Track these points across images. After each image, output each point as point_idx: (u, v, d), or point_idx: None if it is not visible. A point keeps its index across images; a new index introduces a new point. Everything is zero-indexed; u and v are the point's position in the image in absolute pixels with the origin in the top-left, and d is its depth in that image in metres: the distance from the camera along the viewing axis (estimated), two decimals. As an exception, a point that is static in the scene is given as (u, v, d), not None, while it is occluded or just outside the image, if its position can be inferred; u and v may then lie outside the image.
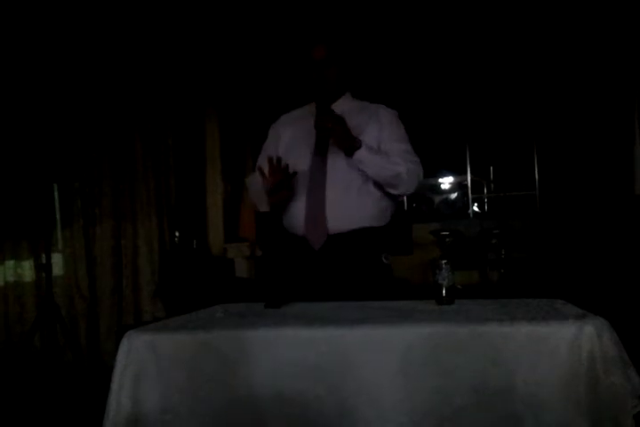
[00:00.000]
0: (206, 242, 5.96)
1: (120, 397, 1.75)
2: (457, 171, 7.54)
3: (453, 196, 7.81)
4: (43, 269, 4.51)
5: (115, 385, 1.77)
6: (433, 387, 1.64)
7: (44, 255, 4.48)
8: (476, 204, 7.47)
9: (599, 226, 5.71)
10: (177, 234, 5.61)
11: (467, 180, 7.32)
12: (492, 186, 7.50)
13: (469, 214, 7.31)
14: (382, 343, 1.66)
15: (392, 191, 2.58)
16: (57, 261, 4.89)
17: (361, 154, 2.47)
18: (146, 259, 5.36)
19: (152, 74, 5.37)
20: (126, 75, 5.28)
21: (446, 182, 7.84)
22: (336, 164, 2.54)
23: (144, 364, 1.76)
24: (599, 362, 1.60)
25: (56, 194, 4.75)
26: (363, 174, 2.52)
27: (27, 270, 4.96)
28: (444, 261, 2.10)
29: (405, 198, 6.97)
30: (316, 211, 2.53)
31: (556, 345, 1.63)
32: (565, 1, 5.12)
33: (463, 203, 7.48)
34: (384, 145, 2.61)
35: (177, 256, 5.45)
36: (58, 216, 4.90)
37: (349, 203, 2.53)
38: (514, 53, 5.96)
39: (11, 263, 4.96)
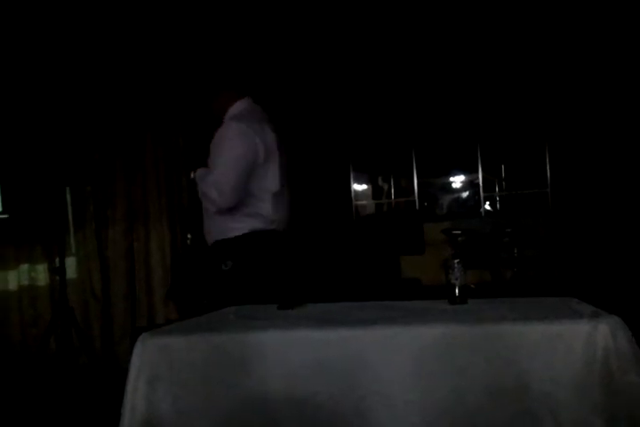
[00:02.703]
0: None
1: (135, 399, 1.76)
2: (468, 169, 7.51)
3: (465, 194, 7.78)
4: (57, 272, 4.53)
5: (129, 388, 1.78)
6: (447, 387, 1.63)
7: (57, 259, 4.51)
8: (487, 202, 7.44)
9: (612, 223, 5.68)
10: (189, 236, 5.62)
11: (478, 178, 7.29)
12: (504, 184, 7.47)
13: (481, 213, 7.27)
14: (395, 344, 1.66)
15: None
16: (71, 264, 4.92)
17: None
18: (158, 261, 5.38)
19: (162, 74, 5.39)
20: (136, 76, 5.31)
21: (457, 181, 7.81)
22: None
23: (158, 367, 1.77)
24: (614, 360, 1.59)
25: (68, 197, 4.79)
26: None
27: (41, 274, 5.00)
28: (456, 261, 2.09)
29: (417, 198, 6.96)
30: None
31: (570, 344, 1.62)
32: (577, 1, 5.10)
33: (475, 201, 7.45)
34: None
35: (189, 258, 5.47)
36: (71, 220, 4.93)
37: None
38: (525, 51, 5.93)
39: (25, 267, 5.00)
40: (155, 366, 1.77)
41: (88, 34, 4.80)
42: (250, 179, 2.39)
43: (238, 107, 2.59)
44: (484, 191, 7.31)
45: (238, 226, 2.44)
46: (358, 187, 7.34)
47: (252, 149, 2.39)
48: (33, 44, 4.67)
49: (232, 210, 2.44)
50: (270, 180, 2.42)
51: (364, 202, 7.46)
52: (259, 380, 1.71)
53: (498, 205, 7.49)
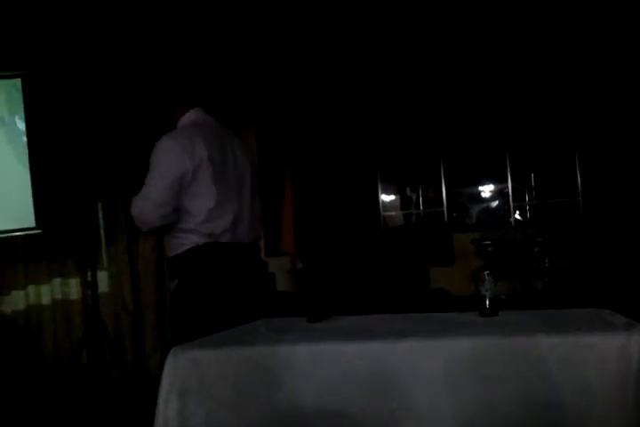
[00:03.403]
0: (247, 256, 6.01)
1: (167, 412, 1.78)
2: (497, 178, 7.46)
3: (494, 204, 7.72)
4: (89, 286, 4.59)
5: (161, 401, 1.80)
6: (478, 401, 1.62)
7: (89, 273, 4.57)
8: (517, 212, 7.37)
9: (646, 232, 5.58)
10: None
11: (507, 187, 7.24)
12: (534, 193, 7.40)
13: (511, 223, 7.21)
14: (426, 357, 1.66)
15: None
16: (102, 278, 4.98)
17: None
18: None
19: (193, 90, 5.46)
20: (167, 92, 5.37)
21: (487, 190, 7.75)
22: None
23: (189, 380, 1.78)
24: (649, 373, 1.56)
25: (100, 212, 4.85)
26: None
27: (73, 288, 5.06)
28: (486, 273, 2.08)
29: (445, 208, 6.93)
30: None
31: (603, 356, 1.60)
32: (608, 6, 5.05)
33: (504, 211, 7.39)
34: None
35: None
36: (102, 234, 5.00)
37: None
38: (555, 59, 5.89)
39: (58, 281, 5.07)
40: (186, 380, 1.78)
41: (118, 50, 4.88)
42: (182, 196, 2.33)
43: (186, 118, 2.54)
44: (513, 200, 7.24)
45: (180, 242, 2.39)
46: (386, 197, 7.33)
47: (179, 167, 2.32)
48: (66, 61, 4.76)
49: (169, 227, 2.41)
50: (203, 196, 2.34)
51: (391, 213, 7.44)
52: (289, 393, 1.71)
53: (528, 215, 7.41)
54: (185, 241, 2.37)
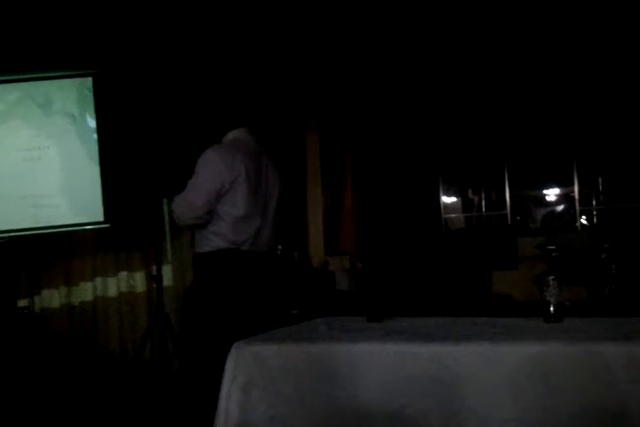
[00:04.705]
0: (307, 255, 6.04)
1: (229, 405, 1.81)
2: (563, 182, 7.30)
3: (560, 208, 7.56)
4: (154, 279, 4.71)
5: (223, 394, 1.83)
6: (541, 407, 1.60)
7: (155, 266, 4.68)
8: (584, 216, 7.20)
9: None
10: (279, 247, 5.71)
11: (574, 191, 7.07)
12: (601, 198, 7.21)
13: (577, 227, 7.04)
14: (490, 361, 1.64)
15: None
16: (167, 271, 5.09)
17: None
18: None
19: (255, 87, 5.52)
20: (229, 90, 5.45)
21: (552, 194, 7.60)
22: None
23: (251, 374, 1.82)
24: None
25: (165, 208, 4.96)
26: None
27: (139, 281, 5.19)
28: (551, 278, 2.04)
29: (509, 211, 6.81)
30: None
31: (675, 367, 1.55)
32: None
33: (570, 215, 7.22)
34: None
35: (279, 268, 5.55)
36: (167, 229, 5.10)
37: None
38: (622, 60, 5.72)
39: (124, 274, 5.21)
40: (248, 374, 1.82)
41: (185, 55, 4.98)
42: (218, 202, 2.60)
43: (229, 136, 2.82)
44: (580, 205, 7.07)
45: (206, 242, 2.65)
46: (447, 199, 7.26)
47: (217, 177, 2.61)
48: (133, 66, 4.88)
49: (201, 227, 2.67)
50: (234, 205, 2.60)
51: (453, 215, 7.36)
52: (349, 391, 1.73)
53: (595, 220, 7.23)
54: (211, 243, 2.62)
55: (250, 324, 2.47)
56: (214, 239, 2.60)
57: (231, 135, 2.79)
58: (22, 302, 5.13)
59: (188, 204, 2.62)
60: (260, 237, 2.65)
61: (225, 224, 2.59)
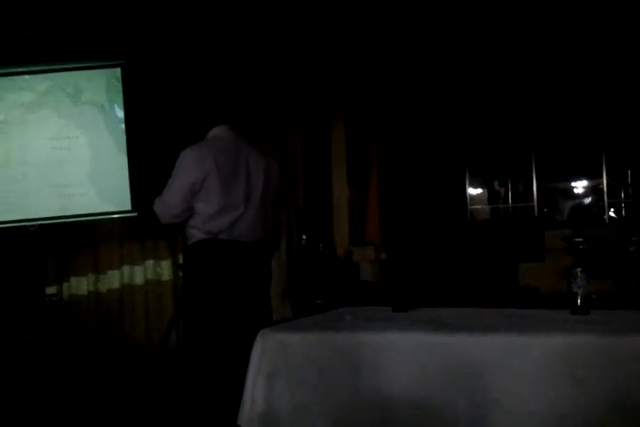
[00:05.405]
0: (332, 245, 6.05)
1: (254, 393, 1.83)
2: (592, 174, 7.21)
3: (588, 200, 7.47)
4: (180, 268, 4.75)
5: (249, 382, 1.85)
6: (568, 400, 1.59)
7: (181, 255, 4.72)
8: (612, 209, 7.11)
9: None
10: (304, 237, 5.73)
11: (602, 184, 6.98)
12: (630, 190, 7.11)
13: (605, 220, 6.96)
14: (516, 352, 1.63)
15: None
16: (193, 261, 5.12)
17: None
18: (274, 260, 5.51)
19: (282, 79, 5.52)
20: (256, 81, 5.46)
21: (580, 186, 7.51)
22: None
23: (276, 363, 1.83)
24: None
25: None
26: None
27: (165, 269, 5.24)
28: (579, 270, 2.02)
29: (536, 203, 6.75)
30: None
31: None
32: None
33: (598, 208, 7.13)
34: None
35: (304, 259, 5.58)
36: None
37: None
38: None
39: (151, 263, 5.27)
40: (273, 362, 1.83)
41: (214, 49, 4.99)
42: (194, 199, 2.73)
43: (210, 133, 2.93)
44: (608, 197, 6.98)
45: (189, 235, 2.81)
46: (473, 191, 7.21)
47: (188, 176, 2.73)
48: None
49: (184, 222, 2.82)
50: (208, 202, 2.72)
51: (479, 206, 7.31)
52: (374, 380, 1.73)
53: (623, 212, 7.14)
54: (191, 235, 2.77)
55: (231, 311, 2.63)
56: (194, 232, 2.74)
57: (212, 133, 2.90)
58: (51, 290, 5.21)
59: (164, 204, 2.78)
60: (237, 227, 2.75)
61: (200, 219, 2.72)
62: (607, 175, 6.93)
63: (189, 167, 2.72)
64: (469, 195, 7.03)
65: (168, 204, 2.75)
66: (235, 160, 2.80)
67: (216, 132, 2.90)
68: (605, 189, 6.95)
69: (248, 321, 2.63)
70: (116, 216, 4.76)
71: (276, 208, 2.96)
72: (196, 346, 2.74)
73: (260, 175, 2.84)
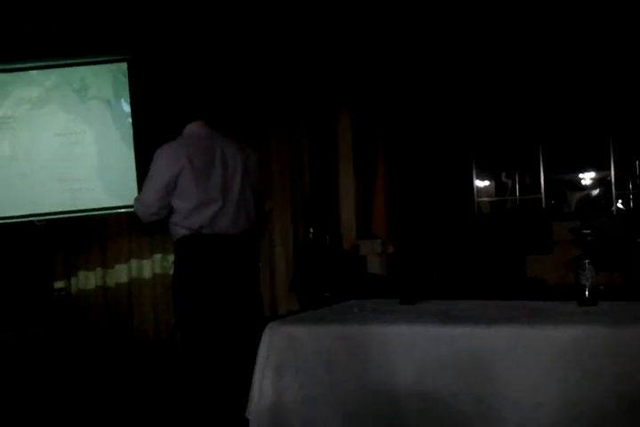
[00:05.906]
0: (339, 238, 6.05)
1: (262, 386, 1.84)
2: (599, 166, 7.18)
3: (595, 192, 7.44)
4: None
5: (257, 375, 1.86)
6: (575, 391, 1.59)
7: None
8: (620, 200, 7.08)
9: None
10: (311, 230, 5.73)
11: (610, 175, 6.95)
12: (638, 182, 7.07)
13: (613, 212, 6.93)
14: (523, 344, 1.64)
15: None
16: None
17: None
18: (281, 253, 5.52)
19: (287, 74, 5.52)
20: (261, 76, 5.46)
21: (587, 178, 7.48)
22: None
23: (284, 355, 1.84)
24: None
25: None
26: None
27: (172, 263, 5.26)
28: (587, 261, 2.02)
29: (543, 195, 6.73)
30: None
31: None
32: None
33: (606, 199, 7.11)
34: None
35: (311, 252, 5.58)
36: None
37: None
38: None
39: (158, 257, 5.29)
40: (281, 355, 1.84)
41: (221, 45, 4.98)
42: (171, 197, 2.74)
43: (185, 130, 2.92)
44: (616, 189, 6.95)
45: (173, 232, 2.81)
46: (480, 183, 7.20)
47: (161, 174, 2.75)
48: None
49: (167, 220, 2.82)
50: (185, 198, 2.73)
51: (486, 199, 7.30)
52: (381, 372, 1.74)
53: (631, 204, 7.11)
54: (175, 232, 2.78)
55: (221, 305, 2.64)
56: (176, 229, 2.76)
57: (187, 129, 2.90)
58: (59, 284, 5.24)
59: (141, 203, 2.78)
60: (219, 220, 2.75)
61: (179, 215, 2.73)
62: (615, 167, 6.89)
63: (161, 166, 2.74)
64: (476, 187, 7.01)
65: (145, 203, 2.76)
66: (210, 155, 2.80)
67: (190, 128, 2.91)
68: (613, 180, 6.92)
69: (239, 313, 2.66)
70: (123, 210, 4.77)
71: (259, 199, 2.94)
72: (190, 341, 2.73)
73: (238, 167, 2.84)
